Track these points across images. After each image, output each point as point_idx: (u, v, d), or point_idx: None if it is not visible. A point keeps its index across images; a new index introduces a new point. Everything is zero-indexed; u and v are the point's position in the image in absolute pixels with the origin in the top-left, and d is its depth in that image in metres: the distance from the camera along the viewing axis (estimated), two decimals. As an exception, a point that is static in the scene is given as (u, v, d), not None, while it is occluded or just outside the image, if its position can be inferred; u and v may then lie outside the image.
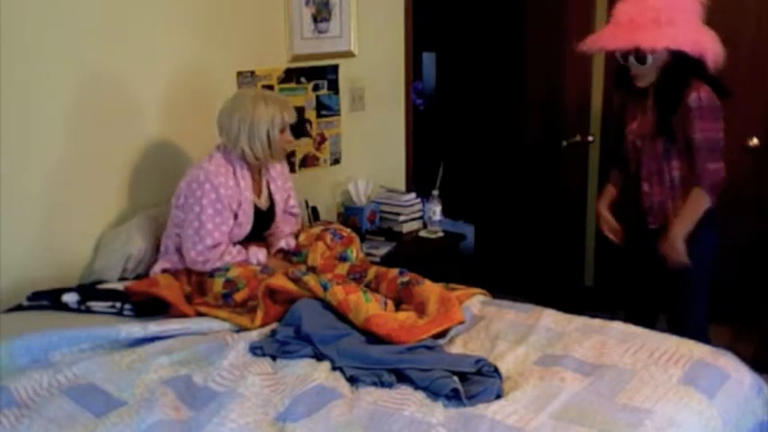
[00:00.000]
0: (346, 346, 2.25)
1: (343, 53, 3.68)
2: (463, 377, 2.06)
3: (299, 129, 3.55)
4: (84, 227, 2.86)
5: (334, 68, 3.66)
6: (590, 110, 4.05)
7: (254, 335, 2.37)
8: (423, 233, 3.72)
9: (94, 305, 2.54)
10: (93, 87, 2.82)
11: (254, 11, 3.29)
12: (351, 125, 3.78)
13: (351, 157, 3.79)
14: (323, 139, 3.67)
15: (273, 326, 2.43)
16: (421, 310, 2.46)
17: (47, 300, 2.56)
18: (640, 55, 2.64)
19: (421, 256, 3.47)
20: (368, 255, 3.21)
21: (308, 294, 2.47)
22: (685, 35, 2.58)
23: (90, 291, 2.63)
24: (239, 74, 3.25)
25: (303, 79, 3.53)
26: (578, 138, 4.05)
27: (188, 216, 2.65)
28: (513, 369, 2.17)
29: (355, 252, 2.90)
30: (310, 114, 3.59)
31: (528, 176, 4.43)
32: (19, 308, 2.55)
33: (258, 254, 2.75)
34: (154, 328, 2.33)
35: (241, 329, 2.42)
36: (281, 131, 2.72)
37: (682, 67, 2.61)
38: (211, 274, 2.64)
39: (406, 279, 2.61)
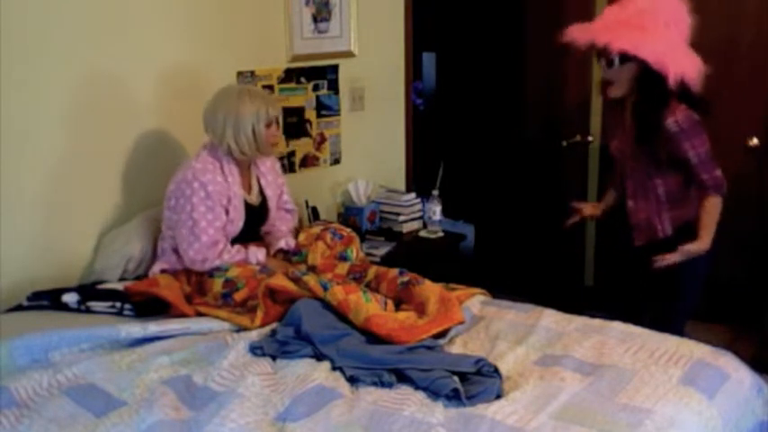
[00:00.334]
0: (346, 346, 2.25)
1: (343, 53, 3.68)
2: (463, 377, 2.06)
3: (300, 129, 3.56)
4: (84, 227, 2.86)
5: (334, 68, 3.66)
6: (590, 110, 4.05)
7: (254, 335, 2.37)
8: (423, 233, 3.72)
9: (94, 305, 2.54)
10: (94, 87, 2.82)
11: (254, 11, 3.29)
12: (351, 125, 3.78)
13: (351, 157, 3.79)
14: (323, 139, 3.67)
15: (273, 326, 2.42)
16: (421, 310, 2.46)
17: (47, 300, 2.56)
18: (603, 55, 2.62)
19: (421, 256, 3.47)
20: (368, 255, 3.21)
21: (308, 294, 2.47)
22: (651, 45, 2.52)
23: (90, 291, 2.63)
24: (239, 74, 3.25)
25: (303, 79, 3.53)
26: (578, 138, 4.05)
27: (180, 216, 2.65)
28: (513, 369, 2.17)
29: (355, 252, 2.90)
30: (310, 114, 3.60)
31: (528, 176, 4.43)
32: (19, 308, 2.55)
33: (258, 253, 2.75)
34: (154, 328, 2.33)
35: (241, 329, 2.42)
36: (267, 126, 2.71)
37: (655, 84, 2.56)
38: (211, 273, 2.64)
39: (406, 279, 2.61)
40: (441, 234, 3.70)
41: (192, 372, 2.14)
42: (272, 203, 2.90)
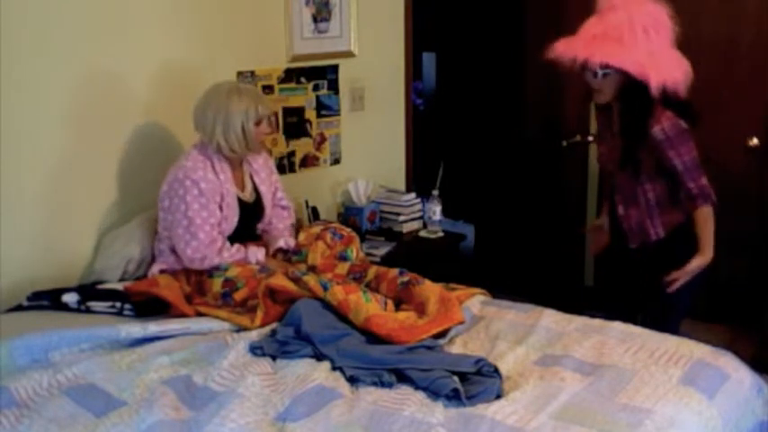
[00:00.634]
0: (346, 346, 2.25)
1: (343, 53, 3.68)
2: (463, 377, 2.06)
3: (300, 129, 3.56)
4: (84, 227, 2.86)
5: (334, 68, 3.66)
6: (590, 110, 4.05)
7: (254, 335, 2.37)
8: (423, 233, 3.72)
9: (94, 305, 2.54)
10: (94, 87, 2.82)
11: (254, 11, 3.29)
12: (351, 125, 3.78)
13: (351, 157, 3.79)
14: (323, 139, 3.67)
15: (273, 326, 2.42)
16: (421, 310, 2.46)
17: (47, 300, 2.56)
18: (588, 68, 2.63)
19: (421, 256, 3.47)
20: (368, 255, 3.21)
21: (308, 294, 2.47)
22: (630, 55, 2.52)
23: (90, 291, 2.63)
24: (239, 74, 3.25)
25: (303, 79, 3.53)
26: (578, 138, 4.04)
27: (175, 216, 2.65)
28: (513, 369, 2.17)
29: (355, 252, 2.90)
30: (310, 114, 3.59)
31: (528, 176, 4.43)
32: (19, 308, 2.55)
33: (257, 253, 2.75)
34: (154, 328, 2.33)
35: (241, 329, 2.42)
36: (257, 124, 2.71)
37: (639, 92, 2.55)
38: (210, 273, 2.64)
39: (406, 279, 2.61)
40: (441, 234, 3.70)
41: (192, 372, 2.14)
42: (266, 200, 2.90)
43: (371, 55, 3.80)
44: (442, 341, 2.34)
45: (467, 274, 3.31)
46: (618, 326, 2.43)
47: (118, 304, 2.53)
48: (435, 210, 3.69)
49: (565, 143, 4.04)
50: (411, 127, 4.12)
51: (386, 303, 2.49)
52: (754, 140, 3.67)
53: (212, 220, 2.66)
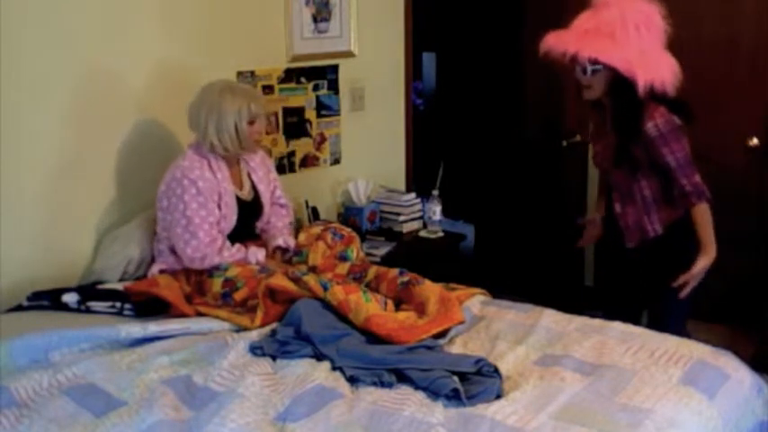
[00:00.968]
0: (346, 346, 2.24)
1: (343, 53, 3.68)
2: (463, 377, 2.06)
3: (300, 129, 3.56)
4: (84, 227, 2.86)
5: (334, 68, 3.66)
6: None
7: (254, 335, 2.37)
8: (423, 233, 3.72)
9: (94, 305, 2.54)
10: (94, 87, 2.82)
11: (254, 11, 3.29)
12: (351, 125, 3.78)
13: (351, 157, 3.79)
14: (323, 139, 3.67)
15: (273, 326, 2.42)
16: (421, 310, 2.46)
17: (47, 300, 2.56)
18: (575, 63, 2.63)
19: (421, 256, 3.47)
20: (368, 255, 3.21)
21: (308, 294, 2.47)
22: (620, 52, 2.52)
23: (90, 291, 2.63)
24: (239, 74, 3.25)
25: (303, 79, 3.53)
26: (578, 138, 4.04)
27: (174, 216, 2.65)
28: (513, 369, 2.17)
29: (356, 252, 2.90)
30: (310, 114, 3.59)
31: (528, 176, 4.43)
32: (19, 308, 2.55)
33: (258, 253, 2.75)
34: (154, 328, 2.33)
35: (241, 329, 2.42)
36: (251, 123, 2.71)
37: (628, 89, 2.55)
38: (210, 273, 2.64)
39: (406, 279, 2.61)
40: (441, 234, 3.70)
41: (192, 372, 2.14)
42: (264, 198, 2.90)
43: (371, 55, 3.80)
44: (442, 341, 2.34)
45: (467, 274, 3.31)
46: (618, 326, 2.43)
47: (118, 304, 2.53)
48: (435, 210, 3.69)
49: (565, 143, 4.04)
50: (411, 127, 4.12)
51: (386, 303, 2.49)
52: (754, 140, 3.67)
53: (211, 219, 2.66)
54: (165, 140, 3.04)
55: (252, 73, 3.31)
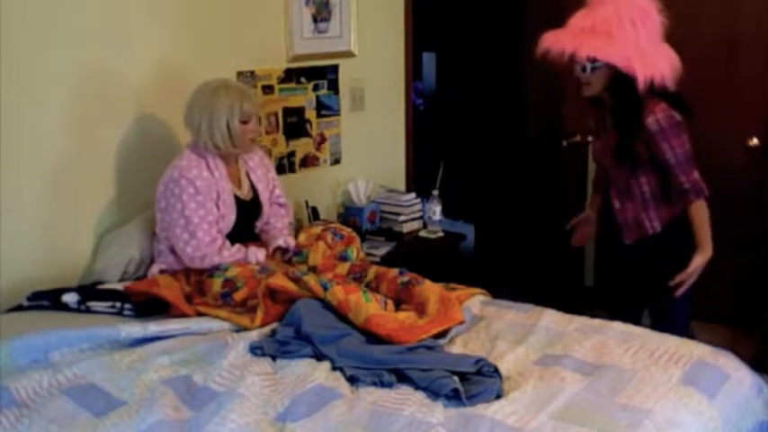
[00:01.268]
0: (346, 346, 2.24)
1: (343, 53, 3.68)
2: (463, 377, 2.06)
3: (300, 129, 3.56)
4: (84, 227, 2.86)
5: (334, 68, 3.66)
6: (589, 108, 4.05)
7: (254, 335, 2.37)
8: (423, 233, 3.72)
9: (94, 305, 2.54)
10: (94, 88, 2.82)
11: (254, 11, 3.29)
12: (351, 125, 3.78)
13: (351, 157, 3.79)
14: (323, 139, 3.67)
15: (273, 326, 2.42)
16: (421, 310, 2.46)
17: (47, 300, 2.56)
18: (575, 62, 2.63)
19: (421, 256, 3.47)
20: (368, 255, 3.21)
21: (308, 294, 2.47)
22: (617, 49, 2.53)
23: (90, 291, 2.63)
24: (239, 74, 3.25)
25: (303, 79, 3.53)
26: (578, 138, 4.04)
27: (172, 216, 2.65)
28: (513, 369, 2.17)
29: (356, 252, 2.90)
30: (310, 114, 3.59)
31: (528, 176, 4.43)
32: (19, 308, 2.55)
33: (258, 253, 2.75)
34: (154, 328, 2.33)
35: (241, 329, 2.42)
36: (244, 122, 2.70)
37: (628, 86, 2.55)
38: (210, 273, 2.64)
39: (406, 279, 2.61)
40: (441, 234, 3.70)
41: (192, 372, 2.13)
42: (263, 198, 2.90)
43: (371, 55, 3.80)
44: (442, 341, 2.34)
45: (467, 274, 3.31)
46: (618, 326, 2.43)
47: (118, 304, 2.53)
48: (435, 210, 3.69)
49: (565, 143, 4.04)
50: (411, 127, 4.12)
51: (386, 303, 2.49)
52: (754, 140, 3.67)
53: (210, 218, 2.66)
54: (165, 141, 3.04)
55: (252, 73, 3.31)
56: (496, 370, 2.11)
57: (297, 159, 3.57)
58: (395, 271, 2.68)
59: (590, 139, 3.98)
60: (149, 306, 2.52)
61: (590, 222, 3.04)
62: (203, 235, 2.63)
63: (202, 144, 2.70)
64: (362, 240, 3.34)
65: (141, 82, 2.95)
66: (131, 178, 2.96)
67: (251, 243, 2.82)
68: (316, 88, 3.59)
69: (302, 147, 3.59)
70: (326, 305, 2.43)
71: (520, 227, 4.55)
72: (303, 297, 2.46)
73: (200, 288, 2.66)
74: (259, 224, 2.92)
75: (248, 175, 2.88)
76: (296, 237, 2.96)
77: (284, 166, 3.51)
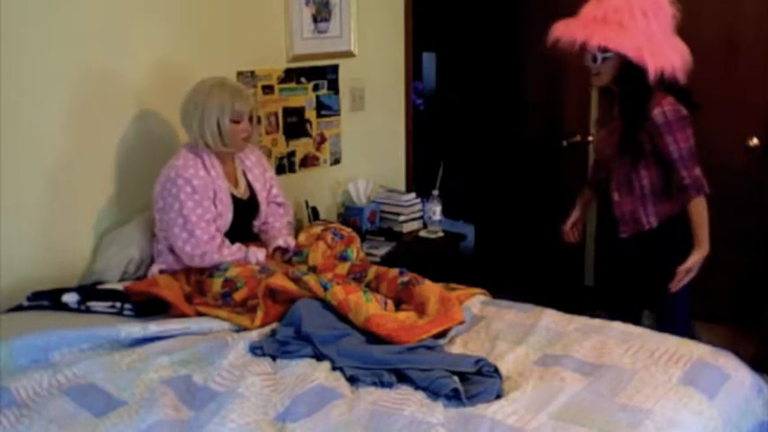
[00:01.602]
0: (346, 346, 2.24)
1: (343, 53, 3.68)
2: (463, 377, 2.06)
3: (300, 129, 3.56)
4: (84, 227, 2.86)
5: (334, 68, 3.66)
6: (590, 110, 4.05)
7: (254, 335, 2.37)
8: (423, 233, 3.72)
9: (94, 305, 2.54)
10: (94, 88, 2.82)
11: (254, 11, 3.29)
12: (351, 125, 3.78)
13: (351, 157, 3.79)
14: (323, 139, 3.67)
15: (273, 326, 2.42)
16: (421, 310, 2.46)
17: (47, 300, 2.56)
18: (586, 51, 2.63)
19: (421, 256, 3.47)
20: (368, 255, 3.21)
21: (308, 294, 2.47)
22: (629, 39, 2.53)
23: (90, 291, 2.63)
24: (239, 74, 3.25)
25: (303, 79, 3.53)
26: (578, 138, 4.04)
27: (170, 215, 2.65)
28: (513, 369, 2.17)
29: (356, 252, 2.90)
30: (310, 114, 3.59)
31: (528, 176, 4.43)
32: (19, 308, 2.55)
33: (258, 253, 2.75)
34: (154, 328, 2.33)
35: (241, 329, 2.42)
36: (236, 121, 2.70)
37: (638, 76, 2.56)
38: (210, 273, 2.64)
39: (406, 279, 2.61)
40: (441, 234, 3.70)
41: (192, 372, 2.13)
42: (261, 197, 2.90)
43: (371, 55, 3.80)
44: (442, 341, 2.34)
45: (467, 274, 3.31)
46: (618, 326, 2.43)
47: (118, 304, 2.53)
48: (435, 210, 3.69)
49: (565, 143, 4.04)
50: (411, 127, 4.12)
51: (386, 303, 2.49)
52: (754, 140, 3.67)
53: (208, 217, 2.66)
54: (165, 141, 3.04)
55: (252, 73, 3.31)
56: (496, 370, 2.11)
57: (297, 159, 3.57)
58: (395, 271, 2.68)
59: (590, 139, 4.01)
60: (149, 306, 2.52)
61: (580, 221, 3.05)
62: (201, 233, 2.63)
63: (193, 141, 2.72)
64: (362, 240, 3.34)
65: (141, 82, 2.95)
66: (131, 178, 2.96)
67: (251, 243, 2.82)
68: (316, 88, 3.59)
69: (302, 147, 3.59)
70: (326, 305, 2.43)
71: (520, 227, 4.55)
72: (303, 297, 2.46)
73: (200, 288, 2.66)
74: (257, 223, 2.92)
75: (245, 174, 2.88)
76: (296, 237, 2.96)
77: (284, 166, 3.51)
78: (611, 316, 2.57)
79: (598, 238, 4.21)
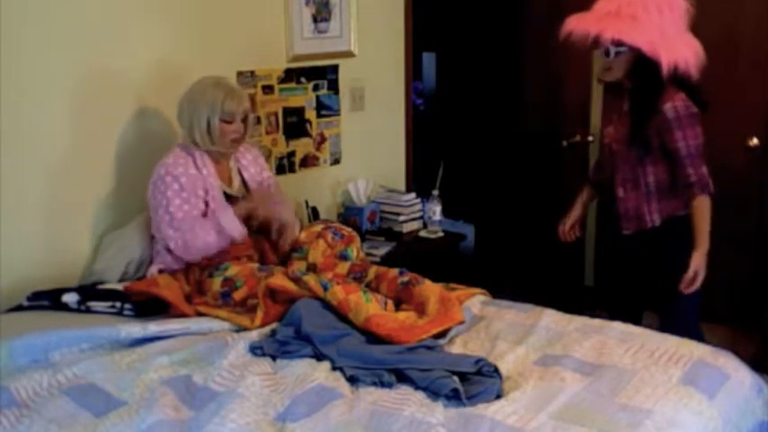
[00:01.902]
0: (346, 346, 2.24)
1: (343, 53, 3.68)
2: (463, 377, 2.06)
3: (300, 129, 3.56)
4: (84, 227, 2.86)
5: (334, 68, 3.66)
6: (590, 110, 4.05)
7: (254, 335, 2.37)
8: (423, 233, 3.72)
9: (94, 305, 2.54)
10: (94, 88, 2.82)
11: (254, 11, 3.29)
12: (351, 125, 3.78)
13: (351, 157, 3.79)
14: (323, 139, 3.67)
15: (273, 326, 2.42)
16: (421, 310, 2.46)
17: (47, 300, 2.56)
18: (598, 44, 2.63)
19: (421, 256, 3.47)
20: (368, 255, 3.21)
21: (308, 294, 2.47)
22: (643, 33, 2.52)
23: (90, 291, 2.63)
24: (239, 74, 3.25)
25: (303, 79, 3.53)
26: (578, 138, 4.04)
27: (158, 212, 2.66)
28: (513, 369, 2.17)
29: (356, 251, 2.90)
30: (310, 114, 3.59)
31: (528, 176, 4.43)
32: (19, 308, 2.55)
33: (232, 222, 2.66)
34: (154, 328, 2.33)
35: (241, 329, 2.42)
36: (227, 122, 2.70)
37: (651, 71, 2.56)
38: (210, 273, 2.64)
39: (406, 279, 2.61)
40: (441, 234, 3.70)
41: (192, 372, 2.14)
42: None
43: (371, 55, 3.80)
44: (442, 341, 2.34)
45: (467, 274, 3.31)
46: (618, 326, 2.43)
47: (118, 304, 2.53)
48: (435, 210, 3.69)
49: (565, 143, 4.04)
50: (411, 127, 4.12)
51: (386, 303, 2.49)
52: (754, 140, 3.67)
53: (195, 213, 2.66)
54: (165, 141, 3.03)
55: (252, 73, 3.31)
56: (496, 370, 2.11)
57: (297, 159, 3.57)
58: (395, 271, 2.68)
59: (590, 139, 4.01)
60: (149, 306, 2.52)
61: (579, 221, 3.06)
62: (188, 229, 2.62)
63: (186, 139, 2.73)
64: (362, 240, 3.33)
65: (142, 82, 2.95)
66: (132, 178, 2.95)
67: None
68: (316, 88, 3.59)
69: (302, 147, 3.59)
70: (326, 305, 2.43)
71: (520, 227, 4.55)
72: (303, 297, 2.46)
73: (200, 288, 2.66)
74: (255, 222, 2.92)
75: (240, 173, 2.88)
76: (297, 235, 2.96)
77: (284, 166, 3.51)
78: (612, 316, 2.57)
79: (598, 238, 4.21)
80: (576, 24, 2.62)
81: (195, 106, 2.68)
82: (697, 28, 2.68)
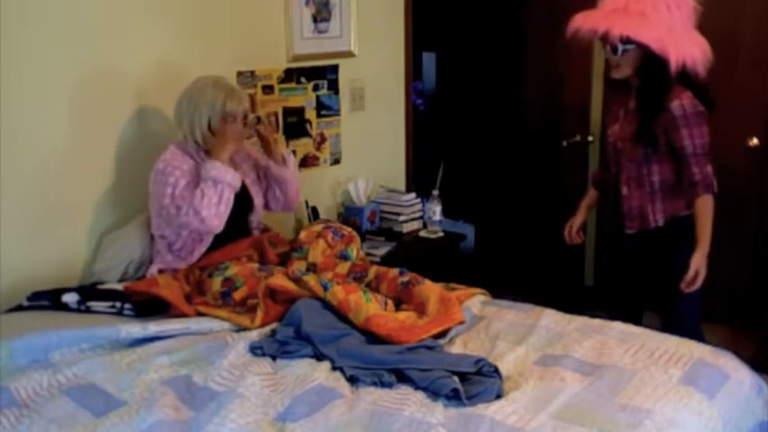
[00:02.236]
0: (346, 346, 2.25)
1: (343, 53, 3.68)
2: (463, 377, 2.06)
3: (300, 129, 3.56)
4: (84, 227, 2.86)
5: (334, 68, 3.66)
6: (590, 110, 4.06)
7: (254, 335, 2.37)
8: (423, 233, 3.72)
9: (94, 305, 2.54)
10: (94, 88, 2.82)
11: (254, 11, 3.29)
12: (351, 125, 3.78)
13: (351, 157, 3.79)
14: (323, 139, 3.67)
15: (273, 326, 2.42)
16: (421, 310, 2.46)
17: (47, 300, 2.56)
18: (606, 41, 2.63)
19: (421, 256, 3.47)
20: (368, 255, 3.21)
21: (308, 294, 2.47)
22: (651, 30, 2.52)
23: (90, 291, 2.63)
24: (239, 74, 3.25)
25: (303, 79, 3.53)
26: (578, 138, 4.05)
27: (163, 202, 2.65)
28: (513, 369, 2.17)
29: (356, 251, 2.90)
30: (310, 114, 3.59)
31: (528, 176, 4.43)
32: (19, 308, 2.55)
33: (221, 169, 2.64)
34: (154, 328, 2.33)
35: (241, 329, 2.42)
36: (228, 121, 2.70)
37: (659, 68, 2.56)
38: (210, 273, 2.65)
39: (406, 279, 2.61)
40: (441, 234, 3.70)
41: (192, 372, 2.14)
42: (252, 191, 2.90)
43: (371, 55, 3.80)
44: (442, 341, 2.34)
45: (467, 274, 3.31)
46: (618, 326, 2.43)
47: (118, 304, 2.53)
48: (435, 210, 3.69)
49: (565, 143, 4.05)
50: (411, 127, 4.12)
51: (386, 303, 2.49)
52: (754, 140, 3.67)
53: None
54: (165, 141, 3.01)
55: (252, 73, 3.31)
56: (496, 370, 2.11)
57: (297, 159, 3.57)
58: (395, 271, 2.68)
59: (590, 139, 4.01)
60: (149, 306, 2.52)
61: (583, 224, 3.07)
62: (190, 196, 2.61)
63: (185, 138, 2.73)
64: (362, 240, 3.34)
65: (142, 82, 2.95)
66: (132, 178, 2.95)
67: (242, 238, 2.80)
68: (316, 88, 3.59)
69: (302, 147, 3.59)
70: (326, 305, 2.43)
71: (520, 227, 4.55)
72: (303, 297, 2.46)
73: (200, 288, 2.66)
74: (253, 218, 2.92)
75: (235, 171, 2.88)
76: (296, 235, 2.96)
77: (284, 166, 3.51)
78: (612, 316, 2.57)
79: (598, 238, 4.21)
80: (584, 21, 2.62)
81: (195, 105, 2.68)
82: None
